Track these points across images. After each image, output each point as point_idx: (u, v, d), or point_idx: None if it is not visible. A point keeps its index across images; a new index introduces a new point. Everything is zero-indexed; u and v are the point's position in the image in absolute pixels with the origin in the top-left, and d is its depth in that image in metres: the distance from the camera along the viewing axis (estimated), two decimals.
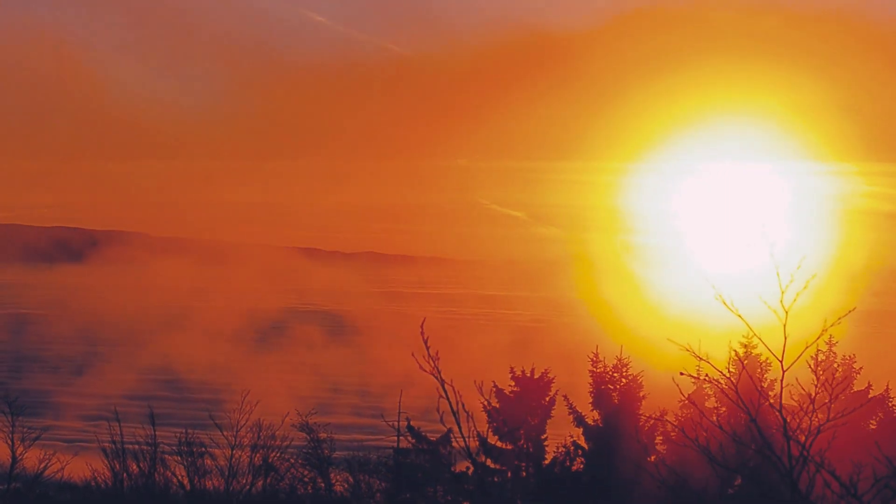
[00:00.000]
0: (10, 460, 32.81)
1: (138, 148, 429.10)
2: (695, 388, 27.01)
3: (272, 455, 31.64)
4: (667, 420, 27.96)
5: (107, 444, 31.39)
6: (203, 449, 31.76)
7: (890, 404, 28.86)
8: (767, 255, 12.87)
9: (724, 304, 12.78)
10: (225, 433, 31.29)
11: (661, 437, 29.26)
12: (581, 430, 30.03)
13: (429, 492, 30.43)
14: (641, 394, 29.78)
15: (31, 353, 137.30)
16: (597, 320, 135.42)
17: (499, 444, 30.01)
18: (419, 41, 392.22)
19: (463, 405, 13.11)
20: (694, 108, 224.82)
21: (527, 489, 29.97)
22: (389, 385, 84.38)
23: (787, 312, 12.57)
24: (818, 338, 12.98)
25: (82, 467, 33.75)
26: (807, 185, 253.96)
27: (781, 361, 12.71)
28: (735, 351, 26.91)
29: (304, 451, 31.99)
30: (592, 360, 30.14)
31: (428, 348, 12.94)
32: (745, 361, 26.39)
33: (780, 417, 12.62)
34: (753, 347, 27.62)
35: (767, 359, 27.54)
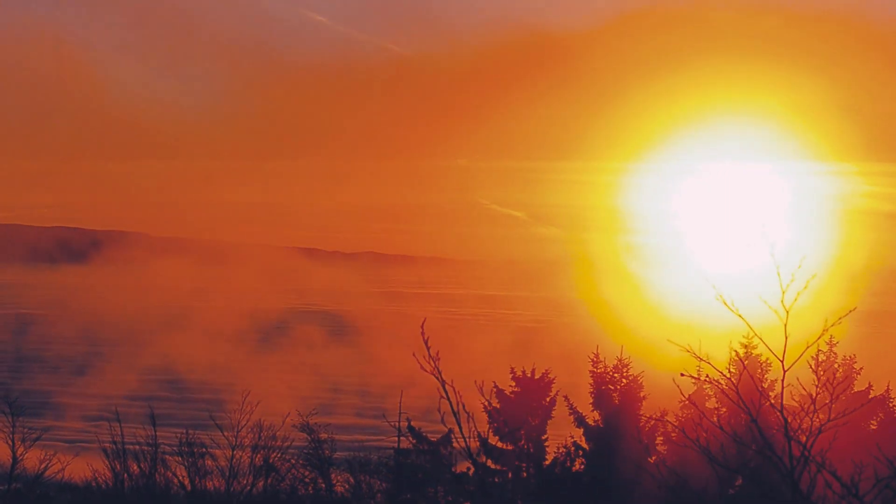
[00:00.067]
0: (11, 461, 32.81)
1: (138, 148, 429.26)
2: (695, 388, 27.00)
3: (273, 455, 31.64)
4: (667, 420, 27.95)
5: (107, 445, 31.39)
6: (204, 449, 31.76)
7: (890, 405, 28.85)
8: (767, 255, 12.86)
9: (725, 304, 12.77)
10: (226, 433, 31.29)
11: (661, 438, 29.25)
12: (582, 430, 30.04)
13: (429, 492, 30.44)
14: (642, 394, 29.79)
15: (31, 353, 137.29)
16: (597, 320, 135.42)
17: (499, 444, 30.01)
18: (419, 41, 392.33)
19: (463, 405, 13.10)
20: (694, 108, 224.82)
21: (527, 490, 29.97)
22: (390, 385, 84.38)
23: (787, 312, 12.57)
24: (819, 338, 12.97)
25: (83, 468, 33.75)
26: (807, 185, 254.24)
27: (782, 361, 12.70)
28: (735, 351, 26.98)
29: (305, 451, 32.00)
30: (593, 360, 30.14)
31: (428, 348, 12.92)
32: (746, 362, 26.44)
33: (780, 418, 12.61)
34: (754, 348, 27.62)
35: (768, 359, 27.54)
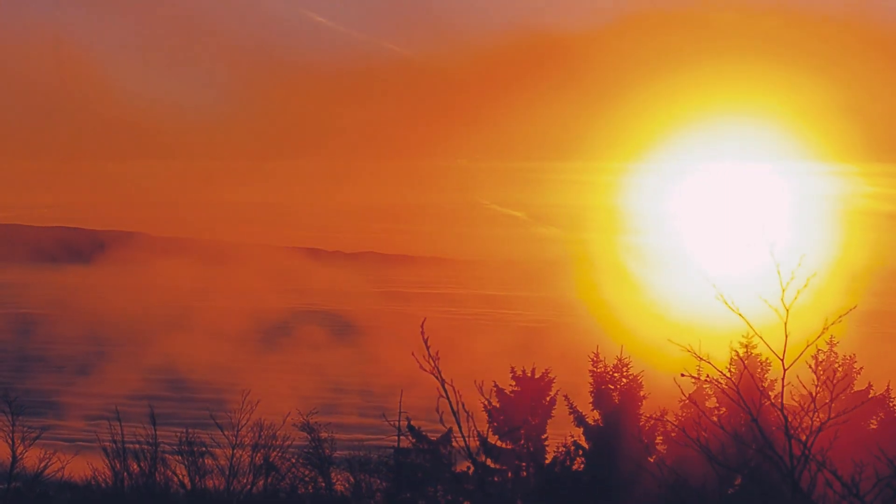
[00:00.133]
0: (11, 459, 32.81)
1: (139, 148, 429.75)
2: (695, 388, 27.00)
3: (273, 454, 31.64)
4: (667, 420, 27.95)
5: (108, 444, 31.39)
6: (204, 448, 31.76)
7: (890, 404, 28.84)
8: (768, 255, 12.86)
9: (725, 303, 12.77)
10: (226, 433, 31.30)
11: (661, 437, 29.25)
12: (581, 429, 30.03)
13: (429, 491, 30.43)
14: (642, 394, 29.78)
15: (33, 352, 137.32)
16: (597, 320, 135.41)
17: (499, 443, 30.00)
18: (420, 42, 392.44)
19: (463, 405, 13.11)
20: (694, 109, 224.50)
21: (527, 489, 29.96)
22: (390, 385, 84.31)
23: (787, 311, 12.56)
24: (818, 337, 12.98)
25: (83, 467, 33.76)
26: (808, 186, 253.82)
27: (783, 360, 12.70)
28: (736, 351, 26.97)
29: (305, 450, 32.00)
30: (593, 359, 30.14)
31: (428, 348, 12.94)
32: (746, 361, 26.41)
33: (781, 417, 12.61)
34: (754, 347, 27.61)
35: (768, 358, 27.52)
